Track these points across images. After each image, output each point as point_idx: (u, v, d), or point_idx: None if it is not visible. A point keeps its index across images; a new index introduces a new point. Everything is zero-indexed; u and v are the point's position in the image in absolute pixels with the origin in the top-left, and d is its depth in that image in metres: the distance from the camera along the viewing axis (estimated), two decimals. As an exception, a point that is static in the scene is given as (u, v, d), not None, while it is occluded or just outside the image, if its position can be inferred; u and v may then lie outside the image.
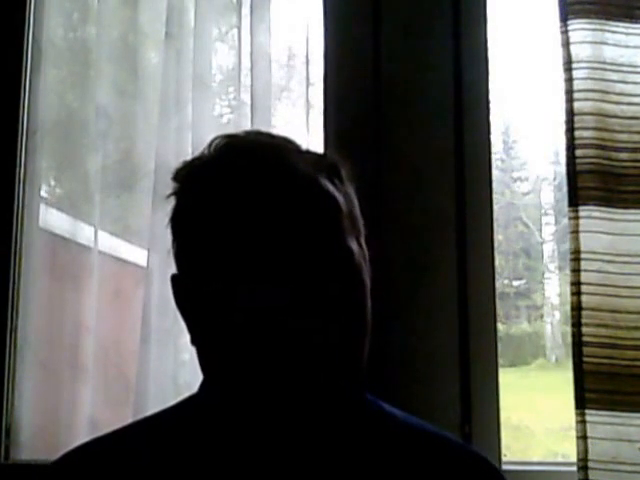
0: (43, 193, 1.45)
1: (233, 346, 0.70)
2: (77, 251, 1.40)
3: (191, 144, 1.34)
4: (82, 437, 1.31)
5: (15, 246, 1.35)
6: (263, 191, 0.71)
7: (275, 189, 0.71)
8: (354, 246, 0.74)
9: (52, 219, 1.44)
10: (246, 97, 1.35)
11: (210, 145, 0.79)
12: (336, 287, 0.70)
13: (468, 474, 0.79)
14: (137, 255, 1.43)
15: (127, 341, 1.39)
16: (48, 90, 1.42)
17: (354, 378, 0.73)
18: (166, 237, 1.31)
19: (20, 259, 1.36)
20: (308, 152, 0.79)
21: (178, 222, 0.78)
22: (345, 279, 0.72)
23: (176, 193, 0.79)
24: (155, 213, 1.33)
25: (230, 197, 0.72)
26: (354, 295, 0.72)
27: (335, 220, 0.73)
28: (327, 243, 0.71)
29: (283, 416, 0.71)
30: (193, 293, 0.74)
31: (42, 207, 1.40)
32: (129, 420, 1.28)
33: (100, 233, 1.38)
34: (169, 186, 1.32)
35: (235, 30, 1.40)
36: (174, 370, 1.29)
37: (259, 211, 0.70)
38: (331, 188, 0.74)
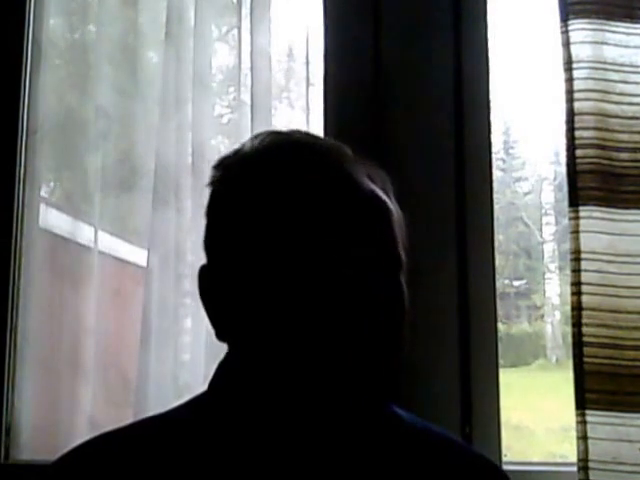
0: (43, 193, 1.45)
1: (266, 342, 0.68)
2: (77, 251, 1.40)
3: (191, 144, 1.34)
4: (82, 437, 1.30)
5: (15, 246, 1.35)
6: (312, 192, 0.69)
7: (325, 192, 0.69)
8: (403, 259, 0.73)
9: (52, 219, 1.44)
10: (246, 97, 1.35)
11: (255, 139, 0.76)
12: (384, 296, 0.69)
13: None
14: (137, 255, 1.43)
15: (127, 341, 1.39)
16: (48, 90, 1.42)
17: (381, 388, 0.72)
18: (166, 237, 1.33)
19: (20, 259, 1.36)
20: (359, 161, 0.75)
21: (218, 211, 0.74)
22: (394, 290, 0.71)
23: (219, 181, 0.75)
24: (155, 213, 1.33)
25: (281, 192, 0.69)
26: (397, 315, 0.71)
27: (392, 233, 0.71)
28: (383, 256, 0.69)
29: (305, 416, 0.69)
30: (224, 287, 0.71)
31: (42, 207, 1.40)
32: (129, 420, 1.28)
33: (100, 233, 1.38)
34: (169, 186, 1.33)
35: (235, 30, 1.40)
36: (174, 370, 1.29)
37: (308, 212, 0.68)
38: (388, 201, 0.72)
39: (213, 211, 0.75)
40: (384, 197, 0.72)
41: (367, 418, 0.73)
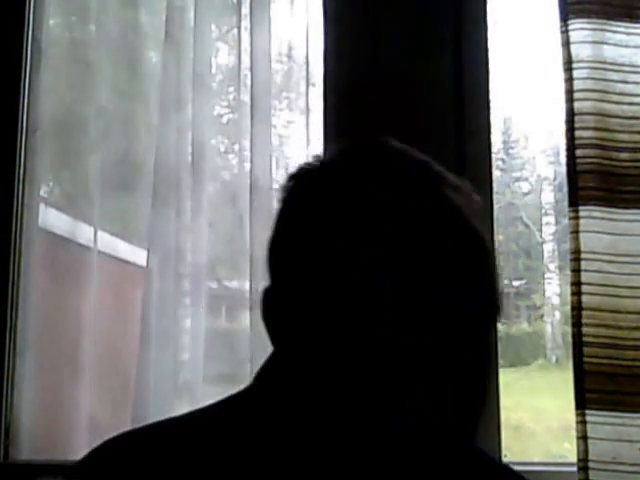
0: (43, 193, 1.45)
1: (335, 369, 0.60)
2: (77, 251, 1.40)
3: (191, 144, 1.34)
4: (82, 437, 1.31)
5: (15, 246, 1.35)
6: (421, 223, 0.60)
7: (438, 228, 0.60)
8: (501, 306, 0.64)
9: (52, 219, 1.44)
10: (246, 97, 1.35)
11: (339, 150, 0.68)
12: (468, 377, 0.62)
13: None
14: (137, 255, 1.43)
15: (127, 341, 1.39)
16: (48, 90, 1.42)
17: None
18: (166, 237, 1.33)
19: (20, 259, 1.36)
20: (457, 186, 0.67)
21: (293, 226, 0.65)
22: (481, 364, 0.63)
23: (300, 193, 0.66)
24: (155, 213, 1.33)
25: (374, 216, 0.60)
26: (481, 387, 0.65)
27: (492, 277, 0.63)
28: (481, 300, 0.61)
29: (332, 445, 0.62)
30: (290, 310, 0.63)
31: (42, 207, 1.40)
32: (129, 420, 1.29)
33: (100, 233, 1.38)
34: (169, 186, 1.33)
35: (235, 30, 1.40)
36: (174, 370, 1.29)
37: (407, 244, 0.59)
38: (489, 244, 0.64)
39: (285, 226, 0.66)
40: (486, 237, 0.64)
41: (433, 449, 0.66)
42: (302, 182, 0.66)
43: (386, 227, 0.59)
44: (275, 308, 0.65)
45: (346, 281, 0.59)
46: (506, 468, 0.81)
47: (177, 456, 0.67)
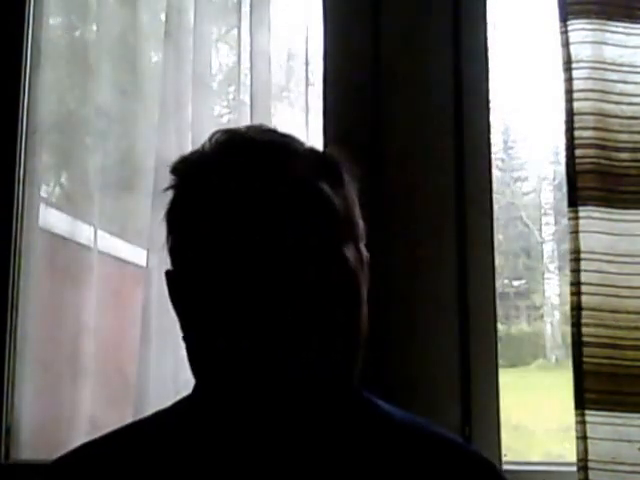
0: (43, 193, 1.45)
1: (223, 347, 0.70)
2: (77, 251, 1.40)
3: (191, 144, 1.34)
4: (82, 437, 1.31)
5: (15, 246, 1.35)
6: (256, 191, 0.71)
7: (268, 190, 0.71)
8: (350, 253, 0.73)
9: (52, 219, 1.44)
10: (246, 97, 1.35)
11: (210, 139, 0.78)
12: (328, 295, 0.70)
13: (465, 472, 0.78)
14: (137, 255, 1.43)
15: (127, 341, 1.39)
16: (48, 90, 1.42)
17: (345, 384, 0.73)
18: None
19: (20, 259, 1.36)
20: (310, 151, 0.78)
21: (174, 216, 0.78)
22: (338, 287, 0.71)
23: (173, 187, 0.79)
24: (155, 213, 1.33)
25: (225, 195, 0.72)
26: (346, 303, 0.72)
27: (330, 224, 0.72)
28: (321, 249, 0.71)
29: (274, 418, 0.71)
30: (186, 289, 0.74)
31: (42, 207, 1.40)
32: (129, 420, 1.28)
33: (100, 233, 1.38)
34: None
35: (235, 30, 1.40)
36: (174, 370, 1.29)
37: (252, 212, 0.70)
38: (328, 191, 0.73)
39: (169, 217, 0.79)
40: (327, 191, 0.73)
41: (337, 405, 0.74)
42: (179, 174, 0.79)
43: (234, 204, 0.71)
44: (176, 287, 0.77)
45: (216, 255, 0.70)
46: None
47: (133, 460, 0.73)
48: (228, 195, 0.72)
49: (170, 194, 0.80)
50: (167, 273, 0.78)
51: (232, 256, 0.69)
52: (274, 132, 0.80)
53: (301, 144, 0.78)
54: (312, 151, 0.78)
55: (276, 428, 0.71)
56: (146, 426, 0.80)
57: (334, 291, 0.71)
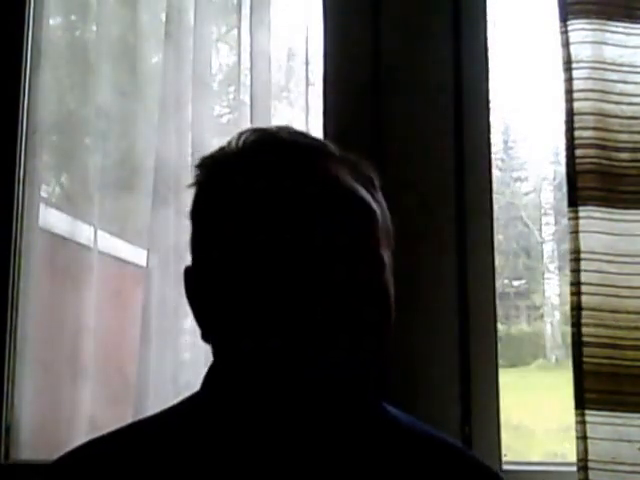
0: (43, 193, 1.45)
1: (249, 346, 0.69)
2: (77, 251, 1.40)
3: (191, 144, 1.34)
4: (82, 437, 1.31)
5: (15, 246, 1.35)
6: (289, 189, 0.69)
7: (300, 188, 0.69)
8: (387, 259, 0.72)
9: (52, 219, 1.44)
10: (246, 97, 1.35)
11: (239, 138, 0.76)
12: (364, 301, 0.69)
13: (467, 478, 0.78)
14: (137, 255, 1.43)
15: (127, 341, 1.39)
16: (48, 90, 1.42)
17: (366, 387, 0.72)
18: (166, 237, 1.33)
19: (20, 259, 1.36)
20: (344, 158, 0.76)
21: (201, 212, 0.75)
22: (375, 293, 0.70)
23: (201, 182, 0.76)
24: (155, 213, 1.33)
25: (257, 192, 0.70)
26: (379, 304, 0.71)
27: (367, 225, 0.71)
28: (363, 255, 0.69)
29: (288, 417, 0.70)
30: (210, 287, 0.72)
31: (42, 207, 1.40)
32: (129, 420, 1.28)
33: (100, 233, 1.38)
34: (169, 186, 1.33)
35: (235, 30, 1.40)
36: (174, 370, 1.29)
37: (285, 209, 0.68)
38: (369, 199, 0.72)
39: (193, 212, 0.76)
40: (365, 196, 0.72)
41: (356, 414, 0.73)
42: (205, 172, 0.76)
43: (275, 205, 0.69)
44: (194, 284, 0.75)
45: (249, 256, 0.68)
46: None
47: (135, 461, 0.72)
48: (260, 192, 0.70)
49: (188, 192, 0.78)
50: (187, 270, 0.76)
51: (262, 253, 0.67)
52: (306, 135, 0.79)
53: (335, 148, 0.77)
54: (346, 157, 0.76)
55: (294, 427, 0.70)
56: (155, 424, 0.78)
57: (369, 291, 0.69)
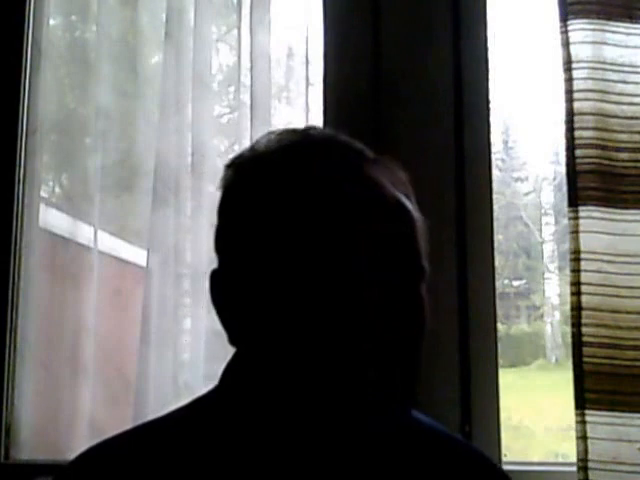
0: (43, 193, 1.45)
1: (282, 349, 0.66)
2: (77, 251, 1.40)
3: (191, 144, 1.34)
4: (82, 437, 1.31)
5: (15, 246, 1.35)
6: (343, 200, 0.65)
7: (357, 201, 0.66)
8: (427, 270, 0.70)
9: (52, 219, 1.44)
10: (246, 97, 1.35)
11: (270, 138, 0.72)
12: (403, 316, 0.66)
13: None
14: (137, 255, 1.43)
15: (127, 341, 1.39)
16: (48, 90, 1.42)
17: (399, 395, 0.68)
18: (166, 237, 1.33)
19: (20, 259, 1.36)
20: (382, 162, 0.72)
21: (233, 214, 0.71)
22: (414, 306, 0.68)
23: (234, 182, 0.72)
24: (155, 213, 1.33)
25: (304, 199, 0.66)
26: (419, 319, 0.69)
27: (415, 241, 0.68)
28: (405, 266, 0.67)
29: (316, 420, 0.67)
30: (240, 292, 0.68)
31: (42, 207, 1.40)
32: (129, 420, 1.29)
33: (100, 233, 1.38)
34: (169, 186, 1.33)
35: (235, 30, 1.40)
36: (174, 370, 1.29)
37: (335, 220, 0.65)
38: (410, 206, 0.69)
39: (225, 212, 0.72)
40: (408, 204, 0.69)
41: (384, 425, 0.70)
42: (238, 171, 0.72)
43: (315, 209, 0.65)
44: (223, 289, 0.70)
45: (288, 260, 0.65)
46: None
47: (151, 461, 0.69)
48: (301, 196, 0.66)
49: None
50: (214, 273, 0.71)
51: (303, 261, 0.64)
52: (343, 136, 0.75)
53: (369, 151, 0.73)
54: (384, 160, 0.73)
55: (307, 437, 0.68)
56: (173, 424, 0.75)
57: (408, 305, 0.67)
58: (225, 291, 0.70)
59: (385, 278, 0.65)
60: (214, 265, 0.72)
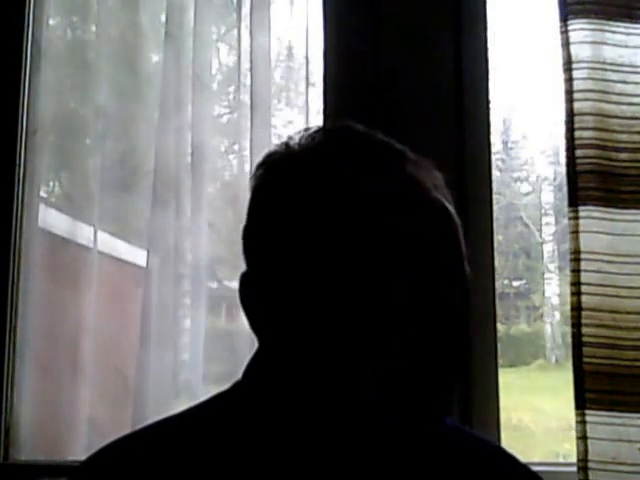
0: (42, 193, 1.45)
1: (316, 355, 0.63)
2: (76, 251, 1.40)
3: (191, 144, 1.34)
4: (81, 437, 1.31)
5: (14, 246, 1.35)
6: (385, 201, 0.63)
7: (400, 202, 0.63)
8: (467, 270, 0.68)
9: (51, 219, 1.44)
10: (246, 97, 1.35)
11: (304, 135, 0.69)
12: (447, 323, 0.64)
13: None
14: (136, 255, 1.43)
15: (127, 341, 1.39)
16: (48, 90, 1.42)
17: (435, 403, 0.65)
18: (166, 237, 1.33)
19: (19, 259, 1.36)
20: (422, 162, 0.69)
21: (267, 214, 0.67)
22: (456, 311, 0.65)
23: (268, 181, 0.68)
24: (154, 213, 1.33)
25: (345, 200, 0.63)
26: (461, 326, 0.67)
27: (458, 244, 0.67)
28: (449, 269, 0.65)
29: (343, 421, 0.64)
30: (273, 294, 0.65)
31: (41, 207, 1.40)
32: (128, 420, 1.29)
33: (99, 233, 1.38)
34: (169, 186, 1.33)
35: (235, 30, 1.40)
36: (173, 370, 1.29)
37: (376, 222, 0.62)
38: (452, 209, 0.67)
39: (256, 213, 0.69)
40: (451, 208, 0.66)
41: (408, 424, 0.66)
42: (272, 170, 0.69)
43: (356, 209, 0.62)
44: (253, 291, 0.67)
45: (322, 262, 0.62)
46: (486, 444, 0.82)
47: (174, 456, 0.67)
48: (342, 196, 0.63)
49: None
50: (244, 276, 0.68)
51: (344, 264, 0.61)
52: (382, 135, 0.72)
53: (408, 151, 0.70)
54: (423, 161, 0.70)
55: (333, 436, 0.65)
56: (193, 420, 0.72)
57: (451, 310, 0.65)
58: (254, 291, 0.67)
59: (426, 280, 0.63)
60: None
